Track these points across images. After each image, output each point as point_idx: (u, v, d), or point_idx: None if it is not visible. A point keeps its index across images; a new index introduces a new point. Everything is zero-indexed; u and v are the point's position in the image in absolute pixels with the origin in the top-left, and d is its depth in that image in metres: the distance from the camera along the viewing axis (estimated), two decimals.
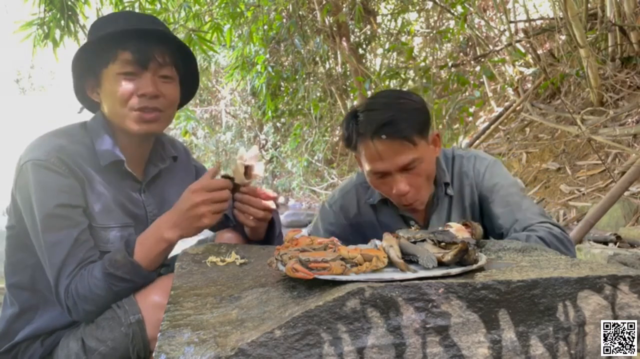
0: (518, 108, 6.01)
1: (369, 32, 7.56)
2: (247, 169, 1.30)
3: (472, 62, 6.25)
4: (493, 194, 1.49)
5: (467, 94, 6.08)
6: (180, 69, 1.39)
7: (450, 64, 5.94)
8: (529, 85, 6.18)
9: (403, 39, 7.60)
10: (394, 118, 1.35)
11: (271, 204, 1.35)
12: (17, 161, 1.29)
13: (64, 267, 1.23)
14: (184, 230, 1.24)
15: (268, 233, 1.44)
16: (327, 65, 7.34)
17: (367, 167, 1.41)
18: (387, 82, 5.80)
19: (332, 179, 8.48)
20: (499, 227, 1.45)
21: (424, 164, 1.40)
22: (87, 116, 1.45)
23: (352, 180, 1.65)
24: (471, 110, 5.66)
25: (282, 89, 7.23)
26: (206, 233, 1.55)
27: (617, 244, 3.36)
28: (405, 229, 1.12)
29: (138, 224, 1.37)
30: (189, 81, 1.47)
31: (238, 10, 5.15)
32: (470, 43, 7.34)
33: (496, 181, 1.51)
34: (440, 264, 0.90)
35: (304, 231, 1.44)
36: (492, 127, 6.21)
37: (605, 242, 3.37)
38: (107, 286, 1.21)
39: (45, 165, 1.24)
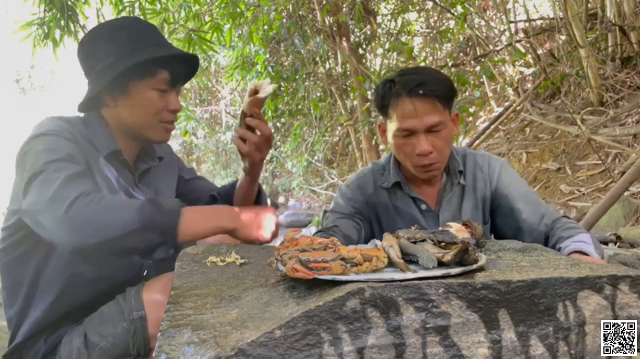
0: (518, 108, 6.01)
1: (369, 32, 7.56)
2: (257, 92, 1.37)
3: (472, 62, 6.24)
4: (511, 191, 1.59)
5: (467, 94, 6.08)
6: None
7: (450, 64, 5.93)
8: (529, 85, 6.18)
9: (403, 39, 7.60)
10: (429, 79, 1.48)
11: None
12: (22, 143, 1.29)
13: (70, 182, 1.14)
14: (238, 225, 1.25)
15: (257, 200, 1.59)
16: (327, 65, 7.34)
17: (396, 126, 1.50)
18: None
19: (332, 179, 8.48)
20: (522, 221, 1.54)
21: (446, 131, 1.51)
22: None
23: (368, 167, 1.75)
24: (471, 110, 5.65)
25: (282, 89, 7.23)
26: None
27: (617, 244, 3.36)
28: (405, 229, 1.12)
29: None
30: None
31: (238, 10, 5.15)
32: (470, 43, 7.34)
33: (512, 179, 1.62)
34: (440, 264, 0.90)
35: (304, 231, 1.46)
36: (492, 127, 6.21)
37: (605, 242, 3.37)
38: (135, 218, 1.10)
39: (58, 134, 1.26)
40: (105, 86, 1.36)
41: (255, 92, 1.37)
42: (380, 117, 1.62)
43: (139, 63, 1.34)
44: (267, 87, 1.37)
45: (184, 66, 1.46)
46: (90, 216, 1.10)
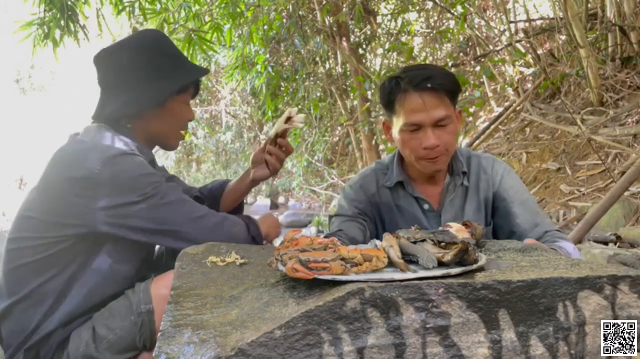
0: (518, 108, 6.01)
1: (369, 32, 7.55)
2: (288, 121, 1.61)
3: (472, 62, 6.24)
4: (511, 195, 1.60)
5: (467, 94, 6.08)
6: None
7: (450, 64, 5.93)
8: (529, 85, 6.18)
9: (403, 39, 7.60)
10: (435, 74, 1.51)
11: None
12: (84, 156, 1.34)
13: (202, 210, 1.43)
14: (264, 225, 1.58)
15: (240, 203, 1.80)
16: (327, 65, 7.33)
17: (403, 121, 1.52)
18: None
19: (332, 179, 8.48)
20: (516, 225, 1.56)
21: (452, 125, 1.52)
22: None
23: (371, 166, 1.75)
24: (471, 110, 5.65)
25: (282, 89, 7.22)
26: None
27: (617, 244, 3.36)
28: (405, 229, 1.12)
29: None
30: None
31: (238, 10, 5.14)
32: (470, 43, 7.34)
33: (513, 183, 1.63)
34: (440, 264, 0.90)
35: (304, 231, 1.50)
36: (492, 127, 6.21)
37: (605, 243, 3.38)
38: (246, 232, 1.49)
39: (135, 153, 1.40)
40: (144, 101, 1.45)
41: (289, 118, 1.60)
42: (384, 115, 1.63)
43: (178, 81, 1.50)
44: (299, 117, 1.60)
45: (199, 80, 1.64)
46: (229, 231, 1.45)
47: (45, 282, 1.35)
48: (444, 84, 1.49)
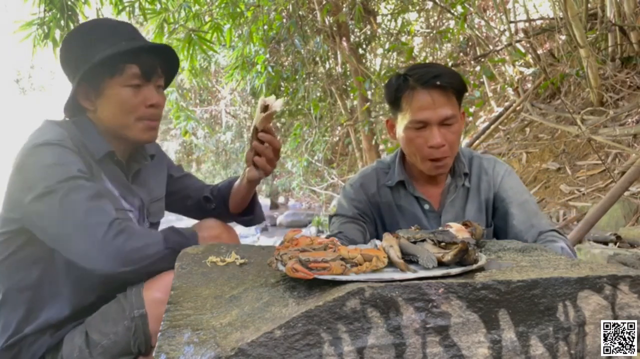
0: (518, 108, 6.00)
1: (369, 32, 7.55)
2: (267, 108, 1.39)
3: (472, 62, 6.24)
4: (510, 196, 1.60)
5: (467, 94, 6.09)
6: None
7: (450, 64, 5.93)
8: (529, 85, 6.18)
9: (403, 39, 7.60)
10: (443, 72, 1.51)
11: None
12: (20, 147, 1.30)
13: (95, 206, 1.22)
14: None
15: (251, 203, 1.64)
16: (327, 65, 7.33)
17: (409, 118, 1.51)
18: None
19: (332, 179, 8.47)
20: (512, 226, 1.55)
21: (457, 125, 1.52)
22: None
23: (372, 165, 1.74)
24: (471, 110, 5.65)
25: (282, 89, 7.22)
26: (186, 222, 1.63)
27: (617, 244, 3.36)
28: (405, 229, 1.12)
29: (135, 210, 1.44)
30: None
31: (238, 10, 5.14)
32: (470, 43, 7.33)
33: (514, 184, 1.63)
34: (440, 264, 0.90)
35: (304, 231, 1.48)
36: (492, 127, 6.21)
37: (605, 243, 3.37)
38: (162, 246, 1.24)
39: (61, 144, 1.27)
40: (80, 90, 1.36)
41: (265, 107, 1.39)
42: (388, 113, 1.63)
43: (103, 61, 1.31)
44: (276, 103, 1.38)
45: (157, 58, 1.41)
46: (122, 246, 1.19)
47: (19, 281, 1.34)
48: (452, 83, 1.49)
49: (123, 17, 3.84)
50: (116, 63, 1.33)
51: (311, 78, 7.26)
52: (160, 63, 1.42)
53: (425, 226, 1.57)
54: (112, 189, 1.38)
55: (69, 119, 1.42)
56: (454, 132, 1.51)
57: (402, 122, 1.54)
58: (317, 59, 6.95)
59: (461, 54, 7.44)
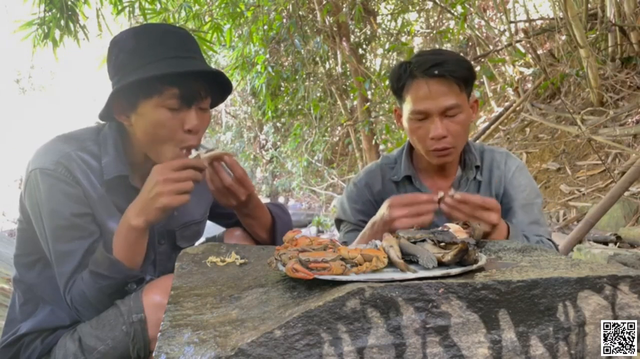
0: (518, 108, 6.01)
1: (369, 32, 7.55)
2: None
3: (472, 62, 6.24)
4: (517, 194, 1.56)
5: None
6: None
7: None
8: (529, 85, 6.18)
9: (403, 39, 7.60)
10: (446, 60, 1.44)
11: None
12: (26, 166, 1.30)
13: (73, 276, 1.26)
14: (146, 213, 1.21)
15: (273, 233, 1.49)
16: (327, 65, 7.33)
17: (410, 108, 1.47)
18: (387, 82, 5.78)
19: (332, 179, 8.47)
20: (511, 224, 1.50)
21: (462, 115, 1.46)
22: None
23: (377, 162, 1.71)
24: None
25: (282, 89, 7.23)
26: (216, 230, 1.59)
27: (617, 244, 3.36)
28: (406, 230, 1.12)
29: None
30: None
31: (238, 10, 5.14)
32: (470, 43, 7.34)
33: (524, 182, 1.58)
34: (440, 264, 0.90)
35: (304, 231, 1.47)
36: (492, 127, 6.21)
37: (605, 243, 3.38)
38: (94, 285, 1.23)
39: (53, 175, 1.25)
40: (114, 102, 1.28)
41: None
42: (388, 113, 1.62)
43: (142, 80, 1.23)
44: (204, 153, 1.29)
45: (200, 81, 1.28)
46: (79, 308, 1.27)
47: (27, 285, 1.40)
48: (454, 71, 1.43)
49: (123, 17, 3.84)
50: (154, 84, 1.24)
51: (311, 78, 7.27)
52: (204, 85, 1.29)
53: (434, 221, 1.53)
54: (113, 209, 1.32)
55: (94, 127, 1.38)
56: (459, 122, 1.45)
57: (405, 111, 1.50)
58: (317, 59, 6.95)
59: (461, 54, 7.43)
